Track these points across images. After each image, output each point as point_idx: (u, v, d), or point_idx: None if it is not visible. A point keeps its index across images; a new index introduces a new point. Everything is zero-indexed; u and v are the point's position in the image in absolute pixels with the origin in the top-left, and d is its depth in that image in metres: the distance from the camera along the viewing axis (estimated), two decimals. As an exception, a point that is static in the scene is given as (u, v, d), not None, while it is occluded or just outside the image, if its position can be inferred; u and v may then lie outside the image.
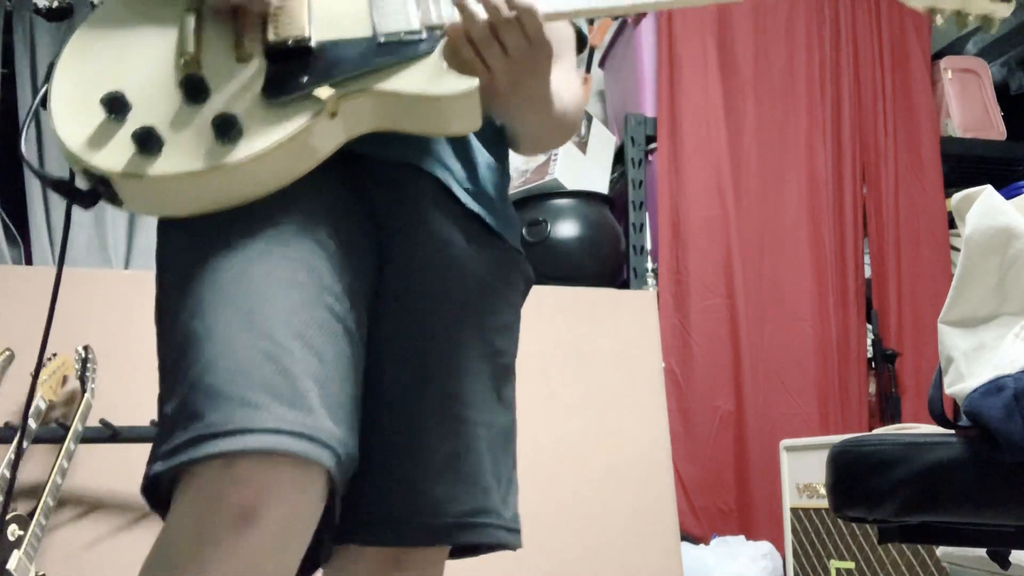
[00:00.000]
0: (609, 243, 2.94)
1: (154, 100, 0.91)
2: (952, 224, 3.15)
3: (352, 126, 0.95)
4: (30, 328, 2.24)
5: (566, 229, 2.87)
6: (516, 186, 2.98)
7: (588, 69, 3.40)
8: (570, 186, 2.91)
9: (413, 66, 0.95)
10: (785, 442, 2.55)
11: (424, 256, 1.03)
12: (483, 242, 1.08)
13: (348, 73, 0.93)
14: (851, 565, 2.28)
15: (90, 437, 2.08)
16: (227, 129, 0.88)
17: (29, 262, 2.83)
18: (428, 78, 0.94)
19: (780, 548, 2.55)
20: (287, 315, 0.84)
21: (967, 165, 3.28)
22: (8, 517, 1.88)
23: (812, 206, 3.08)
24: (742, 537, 2.63)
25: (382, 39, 0.96)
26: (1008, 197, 1.30)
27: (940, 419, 1.29)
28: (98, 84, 0.91)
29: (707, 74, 3.08)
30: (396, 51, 0.96)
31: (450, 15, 0.97)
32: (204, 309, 0.84)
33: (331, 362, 0.85)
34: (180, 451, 0.77)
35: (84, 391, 2.09)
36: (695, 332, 2.92)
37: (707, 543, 2.63)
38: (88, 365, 2.13)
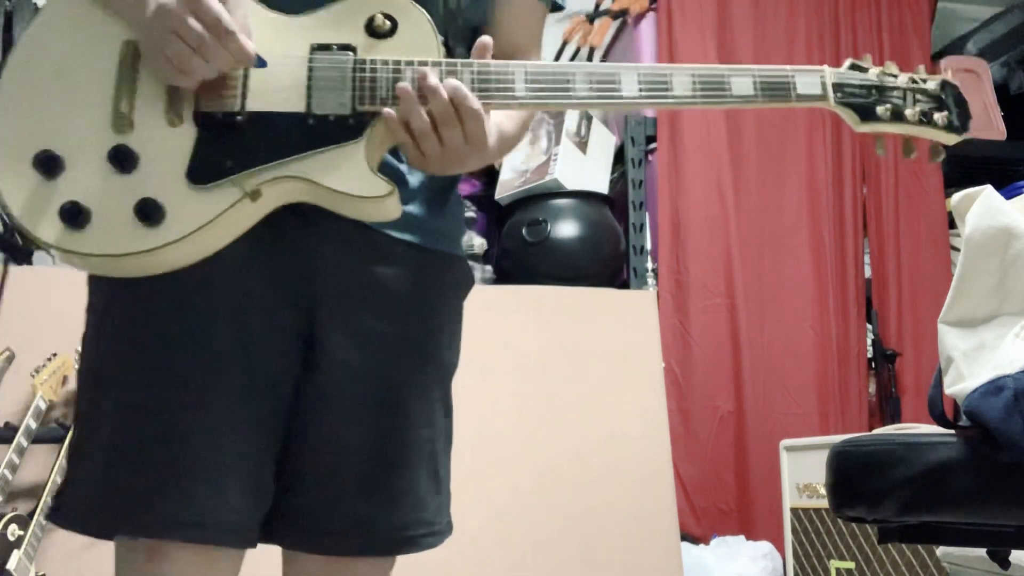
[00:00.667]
0: (609, 243, 2.94)
1: (85, 162, 0.92)
2: (952, 224, 3.15)
3: (275, 201, 0.96)
4: (30, 328, 2.25)
5: (566, 229, 2.87)
6: (516, 186, 2.98)
7: (588, 69, 3.39)
8: (570, 186, 2.91)
9: (338, 153, 0.94)
10: (785, 442, 2.55)
11: (352, 302, 1.03)
12: (414, 264, 1.08)
13: (271, 159, 0.93)
14: (851, 565, 2.28)
15: (90, 437, 2.07)
16: (150, 214, 0.90)
17: (29, 262, 2.82)
18: (350, 173, 0.94)
19: (780, 548, 2.55)
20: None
21: (967, 165, 3.28)
22: (8, 517, 1.89)
23: (812, 206, 3.08)
24: (742, 537, 2.63)
25: (311, 120, 0.95)
26: (1008, 197, 1.29)
27: (940, 419, 1.29)
28: (34, 135, 0.92)
29: (707, 74, 3.08)
30: (323, 134, 0.95)
31: (382, 97, 0.95)
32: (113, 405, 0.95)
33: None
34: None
35: (84, 391, 2.09)
36: (695, 332, 2.92)
37: (707, 543, 2.63)
38: (88, 365, 2.13)
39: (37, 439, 2.01)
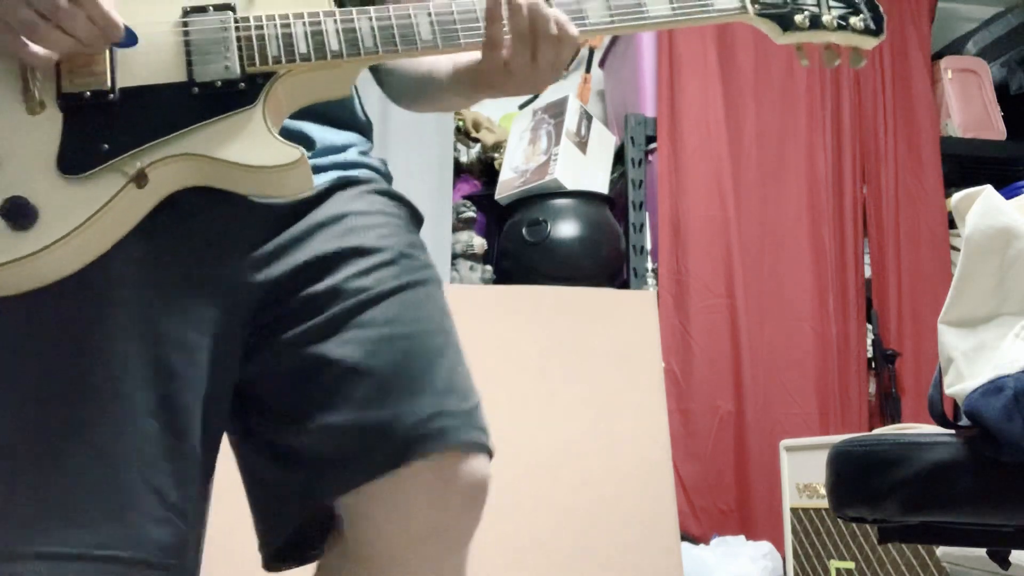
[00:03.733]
0: (609, 243, 2.94)
1: None
2: (952, 224, 3.15)
3: (166, 188, 0.84)
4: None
5: (566, 229, 2.87)
6: (516, 186, 2.98)
7: (588, 69, 3.40)
8: (570, 186, 2.91)
9: (232, 122, 0.84)
10: (785, 442, 2.55)
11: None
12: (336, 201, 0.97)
13: (156, 136, 0.82)
14: (851, 565, 2.28)
15: (90, 437, 2.07)
16: (19, 215, 0.78)
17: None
18: (249, 142, 0.83)
19: (780, 548, 2.55)
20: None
21: (967, 165, 3.28)
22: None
23: (812, 206, 3.08)
24: (742, 537, 2.62)
25: (196, 90, 0.84)
26: (1008, 197, 1.29)
27: (940, 419, 1.29)
28: None
29: (707, 74, 3.08)
30: (212, 103, 0.84)
31: (277, 56, 0.86)
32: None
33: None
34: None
35: (84, 391, 2.09)
36: (695, 332, 2.92)
37: (707, 543, 2.63)
38: (88, 365, 2.13)
39: (37, 439, 2.01)
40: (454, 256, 2.91)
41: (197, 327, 0.87)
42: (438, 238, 2.86)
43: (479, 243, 2.95)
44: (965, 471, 1.17)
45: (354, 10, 0.89)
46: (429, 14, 0.91)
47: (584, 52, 3.40)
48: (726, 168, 3.02)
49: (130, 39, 0.82)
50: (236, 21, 0.86)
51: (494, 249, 3.03)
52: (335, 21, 0.88)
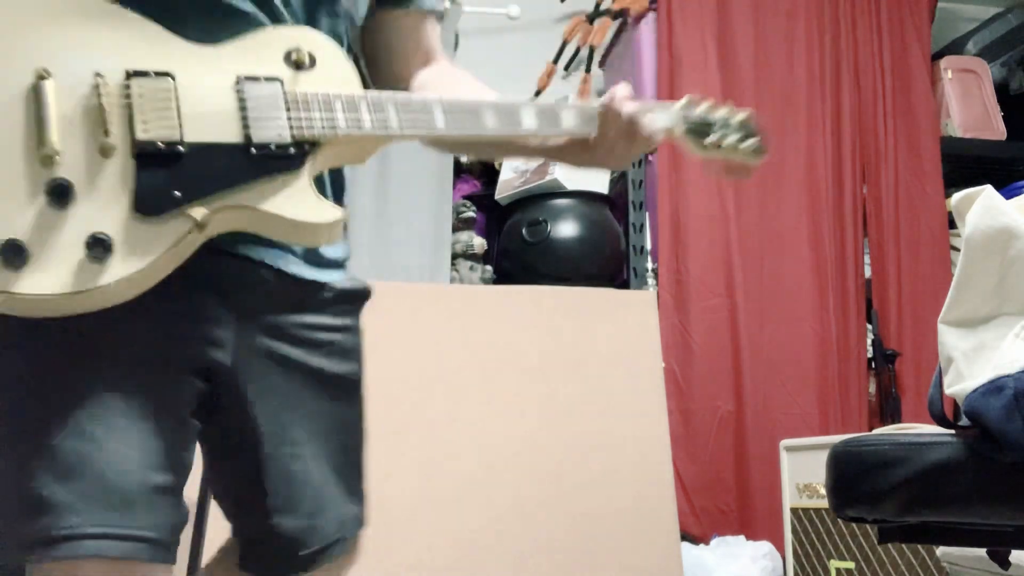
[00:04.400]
0: (609, 243, 2.94)
1: (16, 197, 0.86)
2: (952, 224, 3.15)
3: (216, 230, 0.95)
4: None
5: (566, 229, 2.87)
6: (516, 186, 2.98)
7: (588, 69, 3.40)
8: (570, 186, 2.91)
9: (283, 182, 0.96)
10: (785, 442, 2.55)
11: (256, 340, 1.07)
12: (307, 297, 1.12)
13: (220, 189, 0.93)
14: (851, 565, 2.28)
15: (90, 437, 2.07)
16: (99, 249, 0.86)
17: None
18: (298, 200, 0.96)
19: (780, 548, 2.55)
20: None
21: (967, 165, 3.28)
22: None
23: (812, 206, 3.08)
24: (742, 537, 2.63)
25: (253, 150, 0.95)
26: (1008, 197, 1.29)
27: (940, 419, 1.29)
28: None
29: (707, 74, 3.08)
30: (267, 164, 0.96)
31: (321, 129, 0.99)
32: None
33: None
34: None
35: (84, 391, 2.09)
36: (695, 332, 2.92)
37: (707, 543, 2.63)
38: (88, 365, 2.13)
39: (37, 439, 2.01)
40: (454, 256, 2.91)
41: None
42: (438, 238, 2.86)
43: (479, 243, 2.95)
44: (965, 471, 1.17)
45: (383, 95, 1.04)
46: (441, 104, 1.07)
47: (584, 52, 3.40)
48: (726, 168, 3.02)
49: None
50: (286, 94, 0.99)
51: (494, 249, 3.03)
52: (368, 103, 1.02)
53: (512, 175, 3.02)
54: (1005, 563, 1.34)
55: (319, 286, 1.12)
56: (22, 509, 0.89)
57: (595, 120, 1.16)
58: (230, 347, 1.03)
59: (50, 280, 0.85)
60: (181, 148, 0.92)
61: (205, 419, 1.04)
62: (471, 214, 2.97)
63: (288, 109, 0.98)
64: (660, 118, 1.21)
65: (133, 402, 0.94)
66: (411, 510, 2.26)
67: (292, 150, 0.97)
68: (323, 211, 0.97)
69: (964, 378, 1.21)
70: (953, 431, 1.24)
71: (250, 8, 1.03)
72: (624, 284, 2.97)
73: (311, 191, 0.97)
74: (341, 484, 1.14)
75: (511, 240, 2.94)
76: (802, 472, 2.46)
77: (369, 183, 2.76)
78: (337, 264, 1.16)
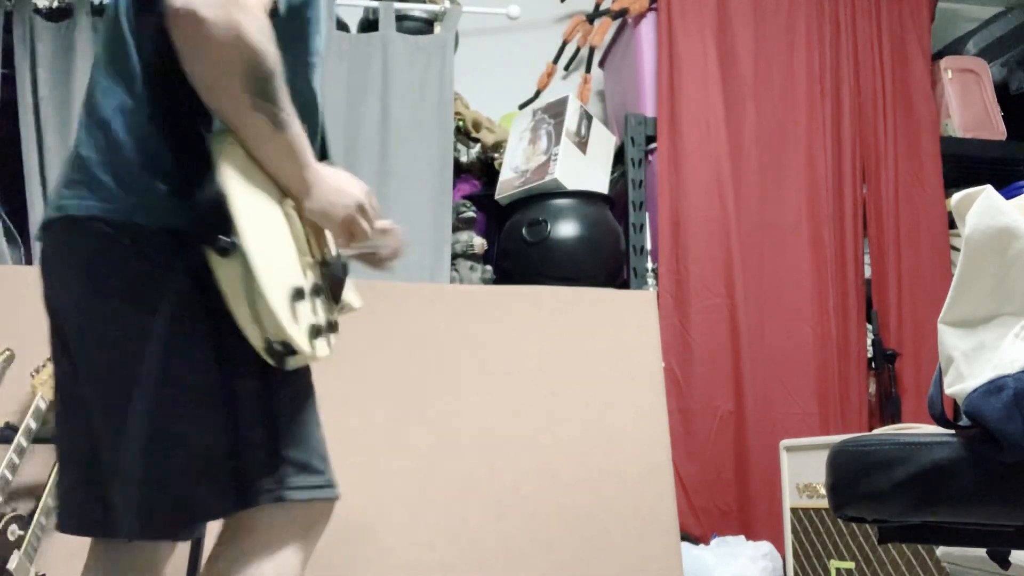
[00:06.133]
0: (609, 243, 2.94)
1: (309, 295, 1.25)
2: (952, 224, 3.15)
3: None
4: (30, 328, 2.24)
5: (566, 229, 2.87)
6: (516, 186, 2.98)
7: (588, 69, 3.40)
8: (570, 186, 2.91)
9: (348, 280, 1.39)
10: (785, 442, 2.55)
11: None
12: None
13: (343, 288, 1.38)
14: (851, 565, 2.28)
15: (90, 437, 2.07)
16: (332, 329, 1.30)
17: (29, 262, 2.82)
18: (354, 292, 1.45)
19: (780, 548, 2.55)
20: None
21: (967, 165, 3.27)
22: (8, 517, 1.89)
23: (812, 206, 3.08)
24: (742, 537, 2.62)
25: (343, 261, 1.38)
26: (1008, 197, 1.29)
27: (940, 419, 1.29)
28: (284, 279, 1.21)
29: (707, 74, 3.08)
30: (344, 270, 1.38)
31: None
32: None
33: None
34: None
35: (84, 391, 2.09)
36: (695, 332, 2.92)
37: (707, 543, 2.63)
38: (88, 365, 2.13)
39: (37, 439, 2.01)
40: (454, 256, 2.91)
41: None
42: (438, 238, 2.86)
43: (479, 243, 2.95)
44: (965, 471, 1.17)
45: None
46: None
47: (584, 52, 3.40)
48: (726, 168, 3.02)
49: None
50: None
51: (494, 249, 3.03)
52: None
53: (512, 175, 3.02)
54: (1005, 563, 1.34)
55: None
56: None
57: None
58: None
59: (323, 349, 1.26)
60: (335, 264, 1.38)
61: None
62: (471, 214, 2.97)
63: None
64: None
65: None
66: (411, 510, 2.26)
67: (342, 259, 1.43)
68: (357, 297, 1.49)
69: (964, 378, 1.21)
70: (953, 431, 1.24)
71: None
72: (624, 284, 2.97)
73: (350, 283, 1.45)
74: None
75: (511, 240, 2.94)
76: (802, 472, 2.46)
77: (369, 183, 2.76)
78: None
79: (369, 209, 1.37)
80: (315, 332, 1.22)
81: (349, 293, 1.41)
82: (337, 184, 1.33)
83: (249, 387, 1.22)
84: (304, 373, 1.32)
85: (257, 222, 1.18)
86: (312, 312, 1.24)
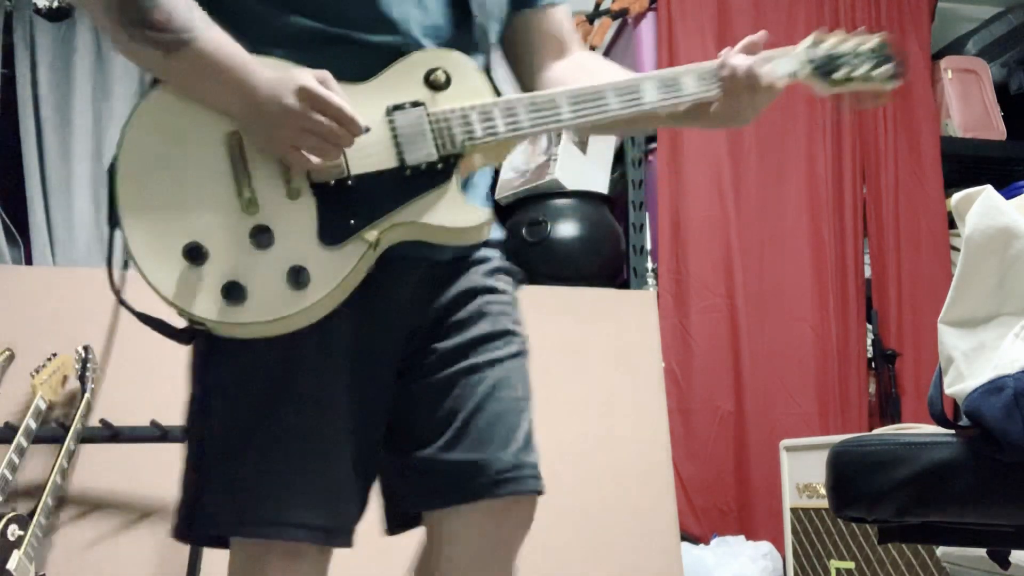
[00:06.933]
0: (609, 243, 2.94)
1: (226, 247, 1.05)
2: (952, 224, 3.15)
3: (386, 245, 1.10)
4: (30, 328, 2.25)
5: (566, 229, 2.87)
6: (516, 186, 2.98)
7: (588, 69, 3.39)
8: (570, 186, 2.91)
9: (436, 195, 1.10)
10: (785, 442, 2.55)
11: (433, 316, 1.21)
12: (474, 265, 1.25)
13: (387, 210, 1.08)
14: (851, 565, 2.28)
15: (90, 437, 2.08)
16: (299, 278, 1.04)
17: (29, 262, 2.83)
18: (450, 209, 1.11)
19: (780, 548, 2.55)
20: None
21: (967, 165, 3.28)
22: (8, 517, 1.89)
23: (812, 206, 3.08)
24: (742, 537, 2.63)
25: (408, 171, 1.10)
26: (1008, 197, 1.29)
27: (940, 419, 1.29)
28: (172, 233, 1.05)
29: (707, 74, 3.08)
30: (421, 181, 1.10)
31: (461, 142, 1.11)
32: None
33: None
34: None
35: (84, 391, 2.09)
36: (695, 332, 2.92)
37: (707, 543, 2.63)
38: (88, 365, 2.13)
39: (37, 439, 2.01)
40: (454, 256, 2.91)
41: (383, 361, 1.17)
42: (438, 238, 2.86)
43: (479, 243, 2.95)
44: (965, 471, 1.17)
45: (512, 99, 1.15)
46: (566, 96, 1.16)
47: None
48: (726, 168, 3.02)
49: (366, 131, 1.08)
50: (428, 115, 1.11)
51: (494, 249, 3.03)
52: (500, 110, 1.13)
53: (512, 175, 3.02)
54: (1005, 563, 1.34)
55: (473, 262, 1.24)
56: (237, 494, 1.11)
57: (715, 78, 1.22)
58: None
59: (264, 309, 1.05)
60: (350, 182, 1.08)
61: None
62: (471, 214, 2.97)
63: (432, 129, 1.11)
64: (782, 65, 1.24)
65: None
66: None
67: (440, 165, 1.10)
68: (473, 215, 1.13)
69: (964, 378, 1.21)
70: (953, 431, 1.24)
71: (392, 40, 1.13)
72: (624, 284, 2.97)
73: (461, 199, 1.12)
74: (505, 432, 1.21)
75: (511, 240, 2.92)
76: (802, 472, 2.46)
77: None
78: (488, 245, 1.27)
79: (321, 116, 1.04)
80: (232, 293, 1.03)
81: (433, 210, 1.10)
82: (271, 90, 1.04)
83: None
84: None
85: (148, 182, 1.05)
86: (233, 266, 1.03)
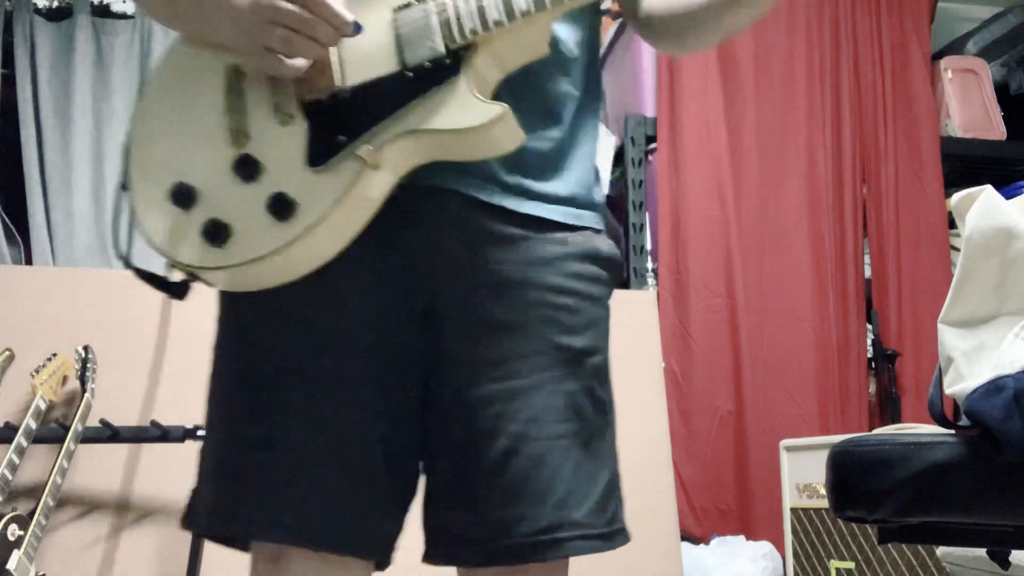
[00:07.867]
0: (609, 243, 2.93)
1: (215, 184, 0.94)
2: (952, 224, 3.15)
3: (399, 167, 0.95)
4: (30, 328, 2.25)
5: (566, 229, 2.87)
6: (516, 186, 2.98)
7: (588, 69, 3.39)
8: (570, 186, 2.91)
9: (441, 95, 0.93)
10: (785, 442, 2.55)
11: (464, 287, 1.00)
12: (532, 242, 1.02)
13: (379, 120, 0.92)
14: (851, 565, 2.28)
15: (90, 437, 2.08)
16: (282, 207, 0.91)
17: (29, 262, 2.83)
18: (459, 108, 0.92)
19: (780, 548, 2.55)
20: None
21: (967, 165, 3.28)
22: (8, 517, 1.89)
23: (812, 206, 3.09)
24: (742, 537, 2.62)
25: (410, 73, 0.94)
26: (1008, 197, 1.29)
27: (940, 419, 1.29)
28: (163, 174, 0.95)
29: (707, 74, 3.08)
30: (423, 82, 0.93)
31: (471, 26, 0.93)
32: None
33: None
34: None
35: (84, 391, 2.09)
36: (695, 332, 2.92)
37: (707, 543, 2.63)
38: (88, 365, 2.13)
39: (37, 439, 2.01)
40: (454, 256, 2.90)
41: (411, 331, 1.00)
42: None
43: (479, 243, 2.95)
44: (965, 471, 1.17)
45: None
46: None
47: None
48: (726, 168, 3.02)
49: (357, 29, 0.93)
50: (436, 7, 0.94)
51: (494, 249, 3.03)
52: None
53: (512, 175, 3.02)
54: (1005, 563, 1.34)
55: (541, 223, 1.02)
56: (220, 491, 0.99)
57: None
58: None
59: (246, 248, 0.91)
60: (345, 94, 0.94)
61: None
62: (471, 214, 2.96)
63: (440, 22, 0.94)
64: None
65: None
66: (411, 509, 2.26)
67: (447, 60, 0.93)
68: (482, 111, 0.92)
69: (964, 378, 1.21)
70: (953, 431, 1.24)
71: None
72: (624, 284, 2.97)
73: (469, 95, 0.92)
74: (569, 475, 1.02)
75: (511, 240, 2.93)
76: (802, 472, 2.46)
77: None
78: (559, 200, 1.05)
79: (288, 3, 0.89)
80: (214, 233, 0.92)
81: (437, 113, 0.93)
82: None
83: None
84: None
85: (151, 123, 0.99)
86: (215, 204, 0.93)
